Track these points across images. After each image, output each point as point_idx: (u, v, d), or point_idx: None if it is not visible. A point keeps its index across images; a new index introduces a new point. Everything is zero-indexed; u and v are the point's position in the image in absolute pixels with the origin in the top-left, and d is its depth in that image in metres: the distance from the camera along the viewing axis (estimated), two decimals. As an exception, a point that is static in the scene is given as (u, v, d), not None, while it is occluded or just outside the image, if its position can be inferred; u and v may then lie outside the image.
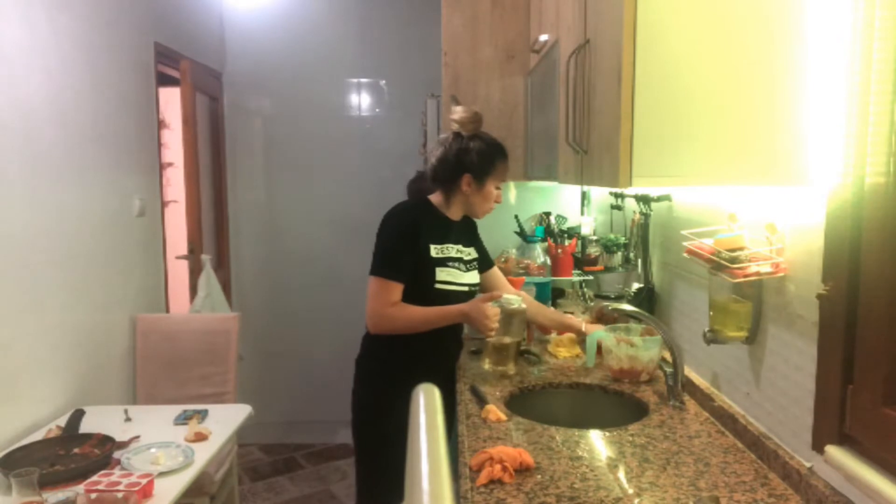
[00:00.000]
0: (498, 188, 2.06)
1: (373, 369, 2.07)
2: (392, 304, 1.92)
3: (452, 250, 2.04)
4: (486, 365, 1.97)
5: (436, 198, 2.09)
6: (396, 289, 1.93)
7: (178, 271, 3.85)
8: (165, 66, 3.40)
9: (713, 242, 1.50)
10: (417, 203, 2.10)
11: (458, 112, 2.04)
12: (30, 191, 2.25)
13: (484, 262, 2.23)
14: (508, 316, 1.95)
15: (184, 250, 4.05)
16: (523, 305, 1.94)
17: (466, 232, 2.15)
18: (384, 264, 1.94)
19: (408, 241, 1.95)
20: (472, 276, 2.09)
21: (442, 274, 1.97)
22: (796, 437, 1.36)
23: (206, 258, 3.70)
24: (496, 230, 3.30)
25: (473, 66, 2.85)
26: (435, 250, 1.98)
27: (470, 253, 2.13)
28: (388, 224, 1.99)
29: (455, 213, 2.08)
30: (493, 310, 1.88)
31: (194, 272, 3.68)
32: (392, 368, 2.03)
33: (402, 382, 1.94)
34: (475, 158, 2.00)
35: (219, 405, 2.57)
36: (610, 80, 1.36)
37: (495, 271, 2.29)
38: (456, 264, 2.02)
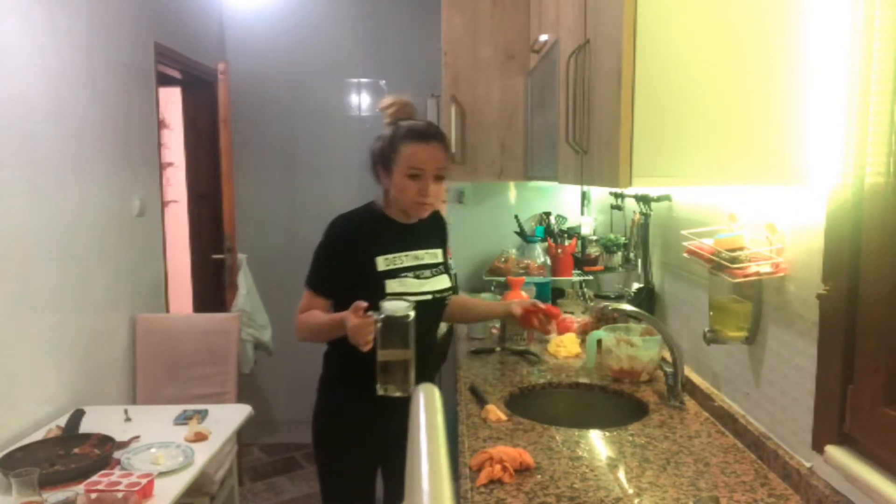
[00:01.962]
0: (414, 176, 1.73)
1: (331, 385, 1.91)
2: (302, 312, 1.81)
3: (407, 258, 1.81)
4: (378, 388, 1.59)
5: (382, 200, 1.88)
6: (313, 300, 1.80)
7: (179, 271, 3.86)
8: (165, 66, 3.40)
9: (713, 242, 1.50)
10: (360, 210, 1.87)
11: (383, 101, 1.89)
12: (30, 190, 2.25)
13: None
14: (390, 327, 1.53)
15: (184, 250, 4.05)
16: (410, 313, 1.54)
17: (429, 233, 1.92)
18: (309, 274, 1.83)
19: (338, 254, 1.79)
20: (440, 282, 1.86)
21: (393, 285, 1.76)
22: (796, 437, 1.36)
23: (242, 257, 3.80)
24: (496, 230, 3.31)
25: (473, 66, 2.85)
26: (384, 262, 1.77)
27: (436, 255, 1.90)
28: (325, 234, 1.82)
29: (398, 214, 1.85)
30: (362, 319, 1.54)
31: (232, 270, 3.80)
32: (348, 384, 1.84)
33: (359, 399, 1.75)
34: (379, 145, 1.81)
35: (219, 405, 2.57)
36: (610, 80, 1.36)
37: None
38: (410, 273, 1.80)
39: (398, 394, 1.57)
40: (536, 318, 1.93)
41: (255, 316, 3.86)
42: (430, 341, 1.93)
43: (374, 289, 1.73)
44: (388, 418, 1.80)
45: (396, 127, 1.79)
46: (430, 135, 1.77)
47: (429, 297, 1.81)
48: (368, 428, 1.85)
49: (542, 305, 1.94)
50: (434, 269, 1.87)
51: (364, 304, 1.56)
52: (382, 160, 1.79)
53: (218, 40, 4.22)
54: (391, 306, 1.54)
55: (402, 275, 1.79)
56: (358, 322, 1.54)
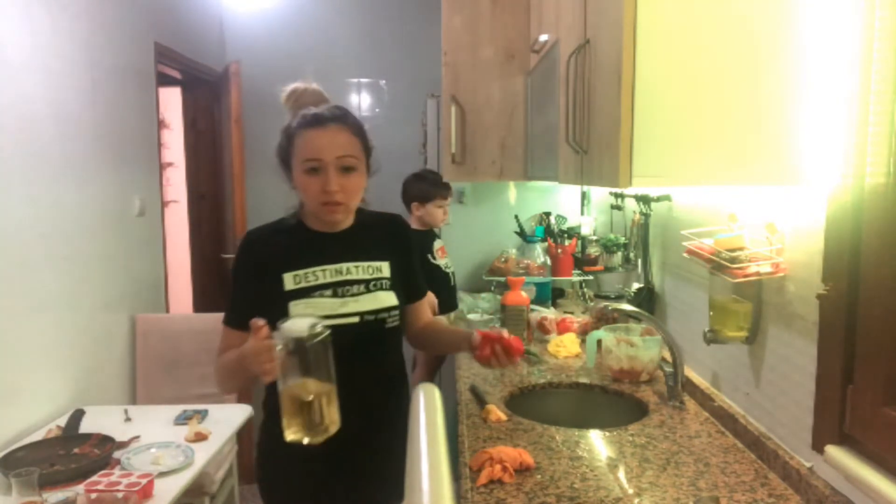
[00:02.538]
0: (312, 170, 1.44)
1: (270, 423, 1.52)
2: (219, 354, 1.50)
3: (324, 273, 1.49)
4: (286, 432, 1.25)
5: (297, 211, 1.60)
6: (230, 338, 1.48)
7: (179, 271, 3.86)
8: (165, 66, 3.40)
9: (713, 242, 1.50)
10: (272, 223, 1.59)
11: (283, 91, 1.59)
12: (29, 190, 2.25)
13: (409, 288, 1.63)
14: (292, 351, 1.21)
15: (184, 250, 4.05)
16: (319, 331, 1.22)
17: (370, 242, 1.58)
18: (226, 307, 1.54)
19: (247, 278, 1.51)
20: (376, 300, 1.51)
21: (299, 307, 1.45)
22: (796, 437, 1.36)
23: None
24: (496, 230, 3.31)
25: (473, 66, 2.85)
26: (293, 279, 1.47)
27: (378, 269, 1.55)
28: (235, 257, 1.55)
29: (316, 221, 1.54)
30: (260, 342, 1.23)
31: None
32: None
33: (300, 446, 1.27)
34: (279, 141, 1.52)
35: (219, 405, 2.57)
36: (610, 80, 1.36)
37: (420, 306, 1.69)
38: (328, 291, 1.48)
39: (307, 440, 1.24)
40: (491, 348, 1.52)
41: None
42: (375, 375, 1.55)
43: (279, 314, 1.37)
44: (342, 463, 1.52)
45: (293, 116, 1.51)
46: (328, 118, 1.45)
47: (354, 319, 1.47)
48: (319, 474, 1.52)
49: (505, 335, 1.54)
50: (372, 285, 1.52)
51: (261, 321, 1.25)
52: (283, 158, 1.52)
53: (218, 40, 4.22)
54: (290, 324, 1.23)
55: (316, 293, 1.47)
56: (254, 345, 1.23)
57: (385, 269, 1.57)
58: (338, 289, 1.49)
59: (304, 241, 1.53)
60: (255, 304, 1.42)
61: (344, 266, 1.51)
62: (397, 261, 1.60)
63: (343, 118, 1.48)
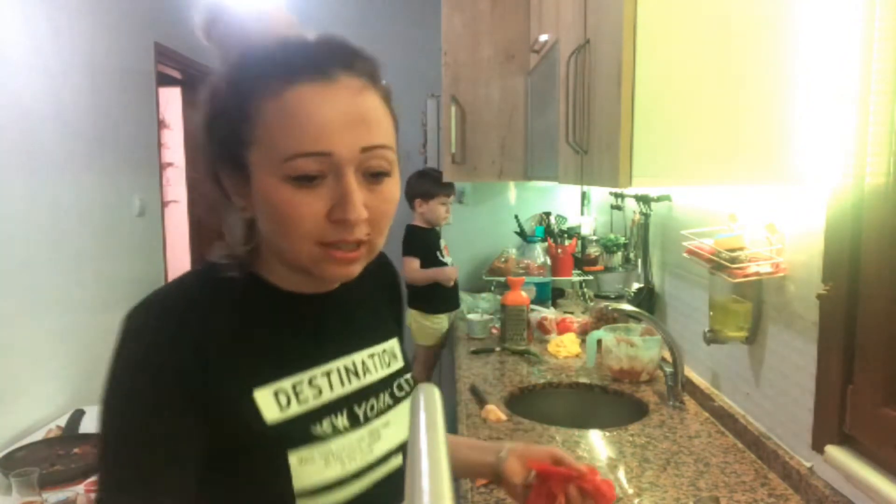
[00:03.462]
0: (305, 179, 0.67)
1: None
2: None
3: (332, 377, 0.77)
4: None
5: (241, 254, 0.78)
6: None
7: (178, 271, 3.86)
8: (165, 66, 3.40)
9: (713, 242, 1.50)
10: (189, 289, 0.78)
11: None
12: (29, 191, 2.25)
13: None
14: None
15: (184, 250, 4.05)
16: None
17: (372, 306, 0.89)
18: (104, 474, 0.67)
19: (163, 410, 0.67)
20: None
21: (308, 470, 0.70)
22: (796, 437, 1.36)
23: None
24: (496, 230, 3.31)
25: (473, 66, 2.85)
26: (275, 401, 0.72)
27: (392, 354, 0.87)
28: (118, 367, 0.73)
29: (286, 276, 0.76)
30: None
31: None
32: None
33: None
34: (207, 109, 0.74)
35: (219, 405, 2.58)
36: (610, 80, 1.36)
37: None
38: (342, 413, 0.76)
39: None
40: (563, 493, 0.89)
41: None
42: None
43: (262, 476, 0.70)
44: None
45: (241, 58, 0.71)
46: (333, 61, 0.71)
47: (395, 462, 0.80)
48: None
49: (583, 468, 0.91)
50: (396, 389, 0.84)
51: None
52: (223, 148, 0.74)
53: (218, 40, 4.22)
54: None
55: (325, 426, 0.74)
56: None
57: (398, 351, 0.89)
58: (356, 407, 0.78)
59: (276, 315, 0.77)
60: (186, 467, 0.68)
61: (357, 359, 0.81)
62: (399, 333, 0.93)
63: (361, 61, 0.76)
